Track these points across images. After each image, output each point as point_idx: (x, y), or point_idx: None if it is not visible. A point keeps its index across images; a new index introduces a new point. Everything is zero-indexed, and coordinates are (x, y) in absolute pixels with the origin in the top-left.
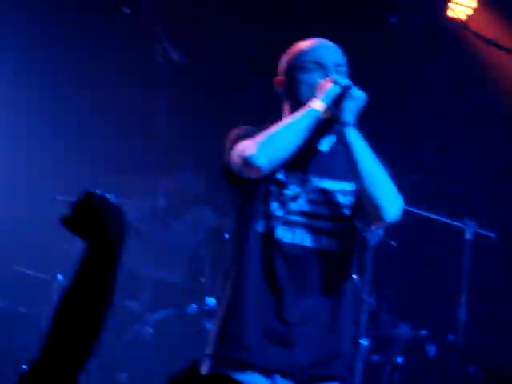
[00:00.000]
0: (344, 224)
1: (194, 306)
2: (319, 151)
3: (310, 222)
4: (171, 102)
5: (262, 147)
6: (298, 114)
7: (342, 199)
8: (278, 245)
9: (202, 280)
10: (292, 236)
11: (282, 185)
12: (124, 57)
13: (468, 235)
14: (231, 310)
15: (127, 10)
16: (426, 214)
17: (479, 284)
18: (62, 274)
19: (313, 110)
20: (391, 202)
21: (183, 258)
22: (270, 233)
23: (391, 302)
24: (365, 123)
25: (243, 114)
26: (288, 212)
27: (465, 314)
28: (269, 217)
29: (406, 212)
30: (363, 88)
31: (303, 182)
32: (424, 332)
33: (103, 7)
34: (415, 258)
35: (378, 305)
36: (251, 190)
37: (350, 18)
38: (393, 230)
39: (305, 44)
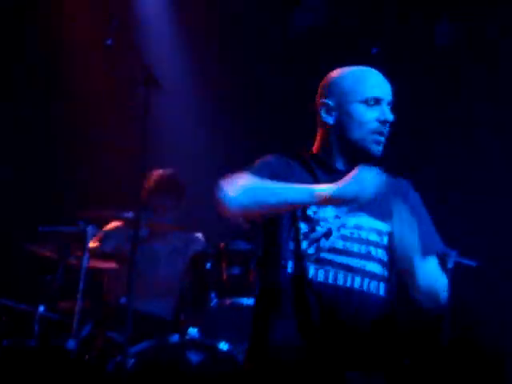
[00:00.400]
0: (379, 264)
1: (176, 336)
2: None
3: (342, 259)
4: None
5: (241, 194)
6: (302, 191)
7: (375, 238)
8: (310, 285)
9: (185, 311)
10: (324, 275)
11: (312, 222)
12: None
13: (449, 264)
14: (264, 353)
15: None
16: None
17: (460, 311)
18: (43, 305)
19: (320, 194)
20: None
21: (166, 289)
22: (301, 274)
23: None
24: None
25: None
26: (320, 249)
27: (446, 341)
28: (300, 256)
29: None
30: None
31: (335, 218)
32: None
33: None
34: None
35: None
36: (274, 228)
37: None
38: None
39: (365, 74)
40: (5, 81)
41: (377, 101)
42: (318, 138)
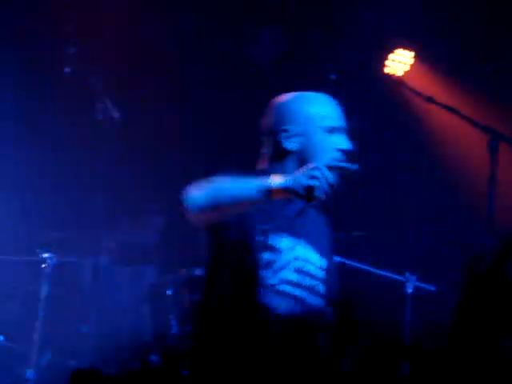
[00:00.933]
0: (320, 298)
1: (138, 364)
2: (303, 218)
3: (296, 292)
4: (113, 157)
5: (200, 196)
6: (253, 185)
7: (320, 273)
8: (269, 315)
9: (145, 337)
10: (283, 306)
11: (275, 251)
12: (65, 116)
13: (409, 289)
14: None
15: (67, 70)
16: (367, 268)
17: (420, 337)
18: (2, 334)
19: (272, 187)
20: None
21: (125, 316)
22: (261, 304)
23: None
24: None
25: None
26: (280, 281)
27: (407, 368)
28: (262, 286)
29: (347, 266)
30: None
31: (291, 250)
32: None
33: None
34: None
35: None
36: (239, 254)
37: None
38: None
39: (327, 102)
40: None
41: (338, 129)
42: (270, 162)
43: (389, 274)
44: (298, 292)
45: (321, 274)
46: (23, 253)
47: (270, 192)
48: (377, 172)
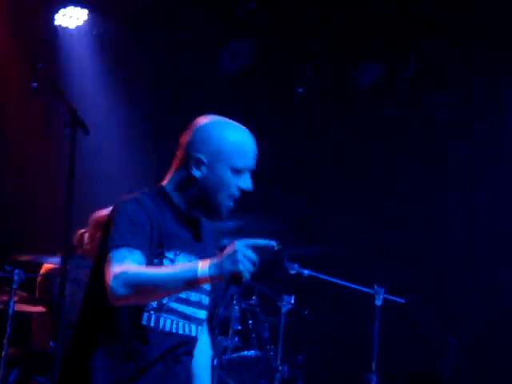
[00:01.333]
0: (206, 311)
1: None
2: (197, 240)
3: (183, 308)
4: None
5: (122, 288)
6: (181, 278)
7: (206, 286)
8: (151, 332)
9: None
10: (165, 323)
11: None
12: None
13: (378, 301)
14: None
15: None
16: (337, 280)
17: (389, 348)
18: None
19: (199, 278)
20: None
21: None
22: (143, 320)
23: (304, 369)
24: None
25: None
26: (169, 298)
27: (375, 381)
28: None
29: (317, 279)
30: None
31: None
32: None
33: None
34: (327, 325)
35: (290, 373)
36: None
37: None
38: (305, 297)
39: (242, 141)
40: None
41: (244, 170)
42: (176, 178)
43: (358, 287)
44: (184, 308)
45: (208, 286)
46: None
47: (197, 281)
48: (347, 186)
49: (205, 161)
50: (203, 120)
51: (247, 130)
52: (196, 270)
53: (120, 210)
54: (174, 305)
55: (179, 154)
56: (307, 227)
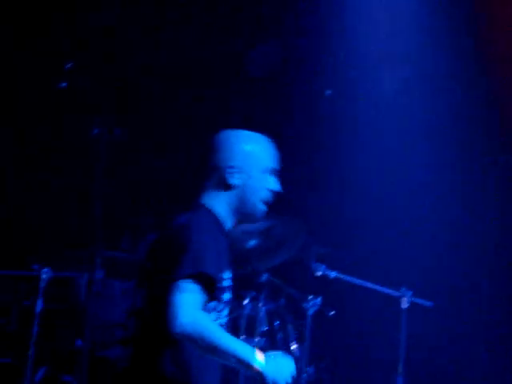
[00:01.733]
0: None
1: None
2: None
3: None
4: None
5: (189, 327)
6: (242, 360)
7: None
8: None
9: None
10: None
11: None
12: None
13: (404, 304)
14: None
15: (64, 85)
16: (363, 282)
17: (416, 352)
18: None
19: (253, 365)
20: None
21: (119, 330)
22: None
23: (330, 371)
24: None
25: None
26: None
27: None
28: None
29: (343, 281)
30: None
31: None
32: None
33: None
34: (353, 327)
35: (316, 374)
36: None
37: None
38: (330, 299)
39: (268, 145)
40: None
41: (272, 172)
42: (212, 192)
43: (384, 290)
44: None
45: None
46: (18, 267)
47: (250, 366)
48: (377, 184)
49: (238, 169)
50: (224, 136)
51: (263, 136)
52: (254, 358)
53: (192, 236)
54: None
55: (209, 171)
56: (333, 227)
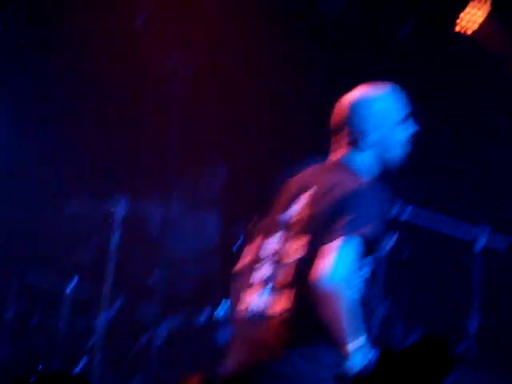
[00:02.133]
0: None
1: (203, 317)
2: None
3: None
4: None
5: (336, 293)
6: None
7: None
8: None
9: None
10: None
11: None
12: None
13: (477, 248)
14: None
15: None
16: (439, 218)
17: (490, 296)
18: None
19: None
20: None
21: (193, 268)
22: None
23: (404, 308)
24: None
25: None
26: None
27: (475, 327)
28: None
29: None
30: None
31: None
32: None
33: None
34: (427, 268)
35: (390, 310)
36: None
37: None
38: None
39: (395, 95)
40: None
41: (407, 116)
42: (348, 152)
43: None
44: None
45: None
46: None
47: (345, 348)
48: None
49: (373, 128)
50: (352, 97)
51: (389, 85)
52: (353, 341)
53: (362, 196)
54: None
55: (342, 133)
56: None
